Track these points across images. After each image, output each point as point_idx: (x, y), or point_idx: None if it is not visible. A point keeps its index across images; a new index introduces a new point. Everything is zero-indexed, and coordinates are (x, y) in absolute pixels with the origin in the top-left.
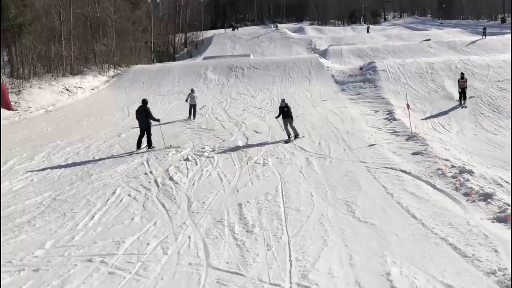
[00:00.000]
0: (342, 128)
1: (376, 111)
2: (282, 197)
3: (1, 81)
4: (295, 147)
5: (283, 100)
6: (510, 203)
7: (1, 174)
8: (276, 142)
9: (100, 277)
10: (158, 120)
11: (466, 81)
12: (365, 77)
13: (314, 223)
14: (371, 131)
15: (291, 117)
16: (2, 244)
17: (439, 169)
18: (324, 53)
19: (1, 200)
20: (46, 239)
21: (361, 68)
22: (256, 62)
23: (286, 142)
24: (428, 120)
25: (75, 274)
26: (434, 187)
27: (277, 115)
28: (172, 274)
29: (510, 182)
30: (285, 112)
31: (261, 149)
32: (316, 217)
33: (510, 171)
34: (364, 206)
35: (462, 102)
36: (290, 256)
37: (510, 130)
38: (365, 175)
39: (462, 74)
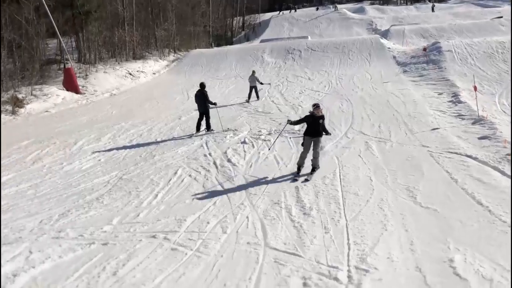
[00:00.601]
0: (404, 111)
1: (440, 94)
2: (340, 181)
3: (70, 66)
4: (354, 131)
5: (317, 106)
6: None
7: (72, 154)
8: (334, 125)
9: (163, 252)
10: (215, 104)
11: None
12: (428, 58)
13: (373, 207)
14: (435, 114)
15: (321, 135)
16: (74, 219)
17: (508, 154)
18: (385, 34)
19: (73, 178)
20: (113, 215)
21: (424, 49)
22: (314, 44)
23: (294, 179)
24: (497, 103)
25: (140, 249)
26: (503, 173)
27: (295, 120)
28: (231, 252)
29: None
30: (316, 125)
31: None
32: (375, 201)
33: None
34: (426, 192)
35: None
36: (348, 239)
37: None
38: (427, 160)
39: None
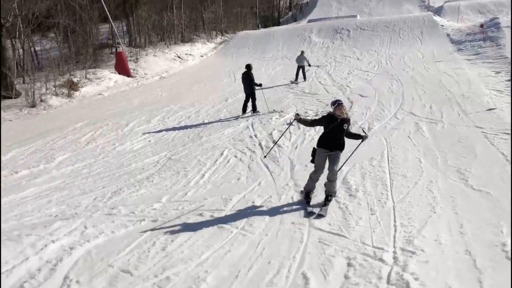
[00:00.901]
0: (457, 91)
1: (498, 72)
2: (388, 163)
3: (121, 50)
4: (404, 111)
5: (338, 104)
6: None
7: (124, 135)
8: (383, 105)
9: (210, 230)
10: (260, 85)
11: None
12: (486, 35)
13: (422, 189)
14: (491, 94)
15: (342, 148)
16: (125, 197)
17: None
18: (438, 11)
19: (124, 158)
20: (162, 194)
21: (481, 25)
22: (363, 23)
23: (310, 213)
24: None
25: (188, 226)
26: None
27: (306, 119)
28: (276, 232)
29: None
30: (338, 133)
31: (366, 113)
32: (424, 183)
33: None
34: (478, 174)
35: None
36: (394, 221)
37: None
38: (481, 141)
39: None
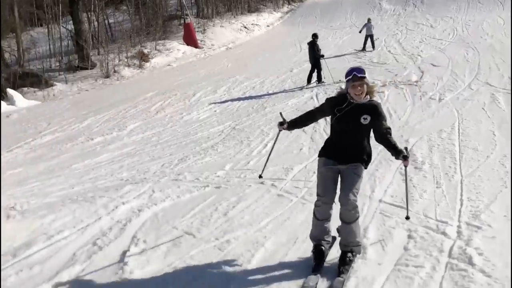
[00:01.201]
0: None
1: None
2: (458, 135)
3: (190, 21)
4: (479, 82)
5: (355, 77)
6: None
7: (191, 105)
8: (457, 75)
9: (270, 198)
10: (322, 56)
11: None
12: None
13: (494, 163)
14: None
15: (363, 160)
16: (191, 164)
17: None
18: None
19: (191, 127)
20: (226, 162)
21: None
22: None
23: (315, 266)
24: None
25: (249, 193)
26: None
27: (296, 118)
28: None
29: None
30: (355, 125)
31: (437, 84)
32: (496, 157)
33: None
34: None
35: None
36: (461, 195)
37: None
38: None
39: None
